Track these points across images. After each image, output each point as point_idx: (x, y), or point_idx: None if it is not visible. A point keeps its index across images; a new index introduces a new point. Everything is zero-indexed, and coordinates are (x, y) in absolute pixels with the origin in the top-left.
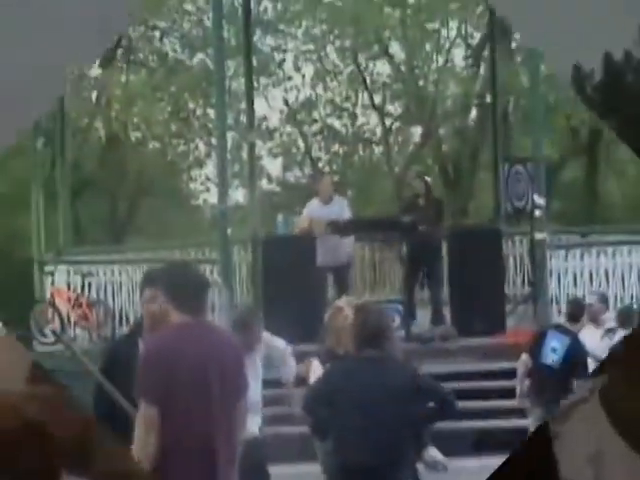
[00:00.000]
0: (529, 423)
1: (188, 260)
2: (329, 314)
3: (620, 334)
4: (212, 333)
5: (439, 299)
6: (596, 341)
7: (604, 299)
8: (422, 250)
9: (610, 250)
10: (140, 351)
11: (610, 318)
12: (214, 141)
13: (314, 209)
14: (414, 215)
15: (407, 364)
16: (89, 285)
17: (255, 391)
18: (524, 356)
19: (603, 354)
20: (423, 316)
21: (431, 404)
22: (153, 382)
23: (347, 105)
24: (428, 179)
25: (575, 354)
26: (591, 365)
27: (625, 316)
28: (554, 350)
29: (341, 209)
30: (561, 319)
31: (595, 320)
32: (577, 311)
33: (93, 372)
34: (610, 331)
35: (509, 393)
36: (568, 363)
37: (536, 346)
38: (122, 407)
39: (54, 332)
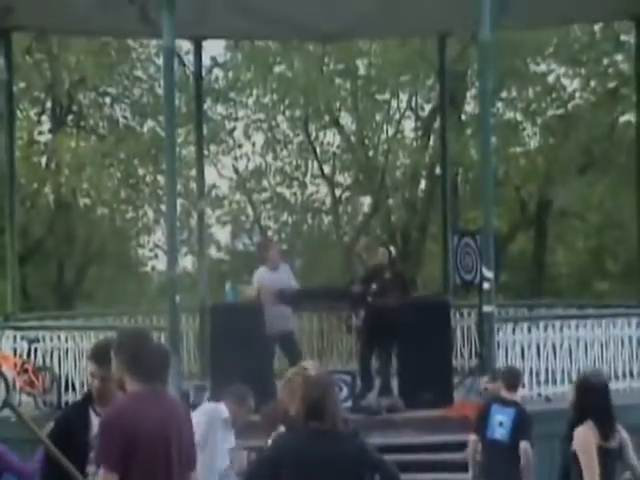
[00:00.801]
0: None
1: (146, 329)
2: (288, 380)
3: None
4: (170, 404)
5: (388, 371)
6: None
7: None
8: (379, 321)
9: (558, 324)
10: (91, 421)
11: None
12: (163, 208)
13: (262, 276)
14: (378, 285)
15: (353, 436)
16: (35, 351)
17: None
18: (472, 436)
19: None
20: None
21: (376, 477)
22: (114, 449)
23: (297, 174)
24: (391, 249)
25: (521, 422)
26: None
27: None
28: (501, 424)
29: (288, 275)
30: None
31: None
32: (515, 380)
33: (42, 439)
34: None
35: (455, 466)
36: (515, 433)
37: (482, 422)
38: (71, 475)
39: (3, 400)
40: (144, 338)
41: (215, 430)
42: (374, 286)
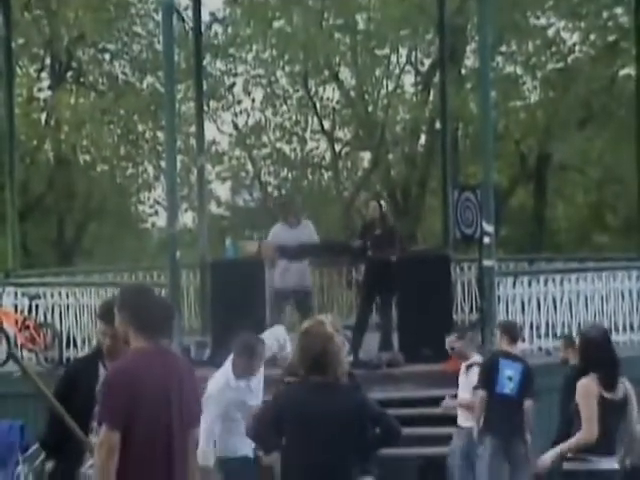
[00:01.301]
0: (482, 453)
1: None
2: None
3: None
4: (173, 360)
5: (389, 325)
6: None
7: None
8: (378, 276)
9: (558, 277)
10: (100, 376)
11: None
12: (163, 164)
13: (279, 233)
14: (371, 241)
15: (354, 390)
16: (36, 307)
17: None
18: (481, 392)
19: None
20: (371, 341)
21: (376, 430)
22: (117, 408)
23: (296, 130)
24: (382, 203)
25: (528, 378)
26: None
27: (568, 343)
28: (510, 378)
29: (310, 233)
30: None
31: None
32: (516, 333)
33: (45, 394)
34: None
35: (454, 419)
36: (523, 389)
37: (490, 377)
38: (74, 431)
39: (8, 352)
40: (146, 293)
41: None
42: (367, 242)
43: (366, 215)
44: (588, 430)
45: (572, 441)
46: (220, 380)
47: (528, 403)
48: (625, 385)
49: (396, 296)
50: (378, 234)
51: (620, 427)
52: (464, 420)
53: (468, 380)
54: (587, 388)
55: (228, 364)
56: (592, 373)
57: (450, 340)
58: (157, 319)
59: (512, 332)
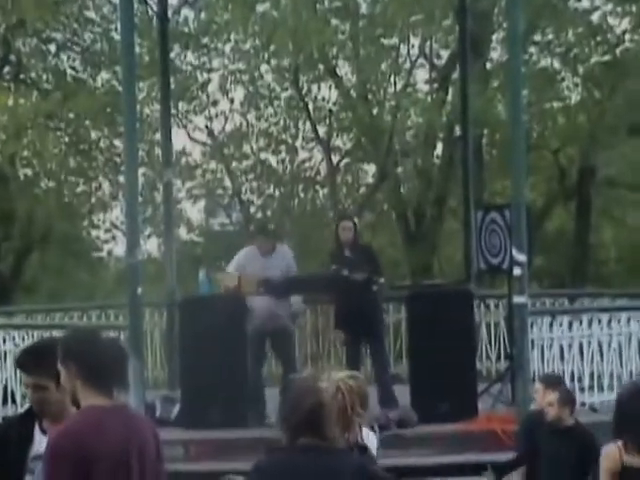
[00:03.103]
0: None
1: (94, 328)
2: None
3: None
4: (132, 420)
5: (385, 373)
6: None
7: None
8: (360, 314)
9: (605, 317)
10: (35, 441)
11: None
12: (122, 180)
13: (250, 261)
14: (340, 265)
15: (354, 455)
16: None
17: None
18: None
19: None
20: (373, 395)
21: None
22: (66, 476)
23: (285, 137)
24: (356, 222)
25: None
26: None
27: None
28: None
29: (287, 262)
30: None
31: None
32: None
33: None
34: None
35: None
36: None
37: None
38: None
39: None
40: (93, 339)
41: None
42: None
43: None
44: None
45: None
46: None
47: None
48: None
49: (407, 340)
50: (349, 256)
51: None
52: None
53: None
54: (608, 457)
55: None
56: (621, 436)
57: None
58: (108, 368)
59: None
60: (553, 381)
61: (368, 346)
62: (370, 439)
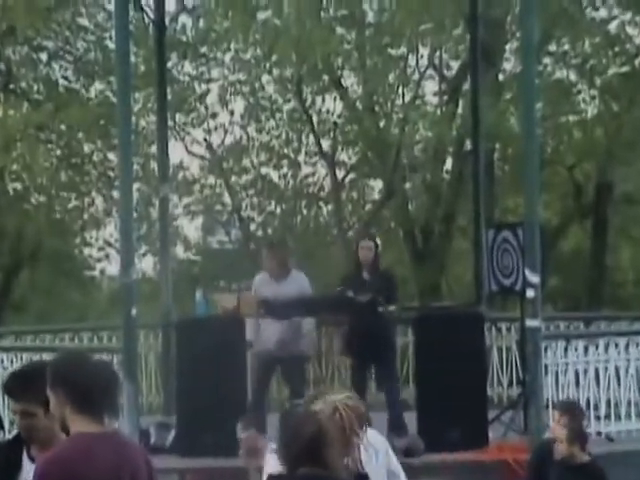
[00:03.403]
0: None
1: (83, 351)
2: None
3: None
4: (124, 447)
5: (395, 400)
6: None
7: None
8: (368, 338)
9: (622, 342)
10: (24, 470)
11: None
12: (116, 195)
13: (260, 287)
14: (357, 288)
15: None
16: None
17: None
18: None
19: None
20: (381, 423)
21: None
22: None
23: (287, 151)
24: (377, 243)
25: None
26: None
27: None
28: None
29: (302, 288)
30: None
31: None
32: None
33: None
34: None
35: None
36: None
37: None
38: None
39: None
40: (82, 362)
41: None
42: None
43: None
44: None
45: None
46: None
47: None
48: None
49: (414, 365)
50: (368, 280)
51: None
52: None
53: None
54: None
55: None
56: None
57: None
58: (99, 393)
59: (576, 417)
60: (569, 409)
61: (376, 371)
62: (379, 440)
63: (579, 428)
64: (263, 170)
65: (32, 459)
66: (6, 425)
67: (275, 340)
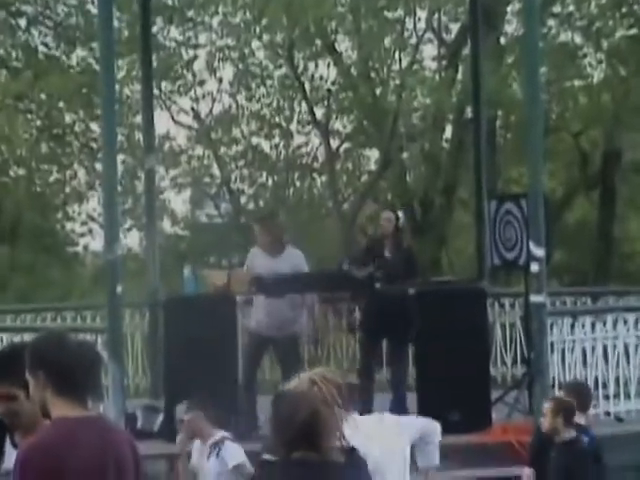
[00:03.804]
0: None
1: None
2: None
3: None
4: (109, 431)
5: (402, 382)
6: None
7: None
8: (386, 315)
9: (632, 318)
10: (7, 451)
11: None
12: (99, 167)
13: (254, 263)
14: (375, 267)
15: (356, 469)
16: None
17: None
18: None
19: None
20: (382, 404)
21: None
22: None
23: (279, 120)
24: (399, 214)
25: (595, 458)
26: None
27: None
28: None
29: (297, 264)
30: None
31: None
32: (586, 398)
33: None
34: None
35: None
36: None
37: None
38: None
39: None
40: (62, 343)
41: None
42: (374, 268)
43: (373, 233)
44: None
45: None
46: None
47: None
48: None
49: (413, 343)
50: (389, 258)
51: None
52: None
53: None
54: None
55: None
56: None
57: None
58: (81, 375)
59: (582, 396)
60: (574, 389)
61: (390, 349)
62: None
63: (566, 402)
64: (254, 140)
65: (15, 446)
66: None
67: (270, 319)
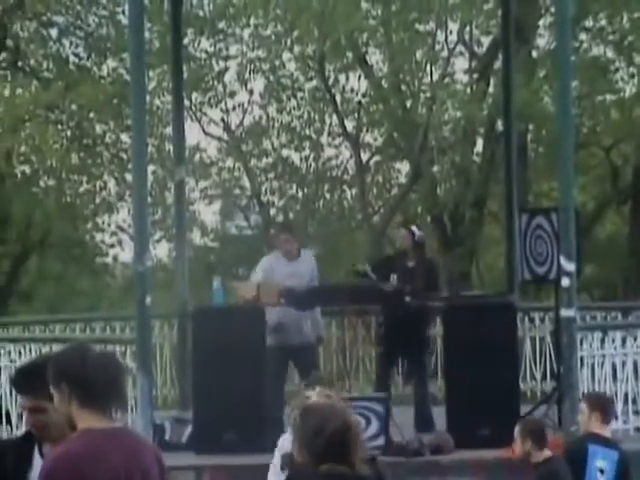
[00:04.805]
0: None
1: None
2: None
3: None
4: (135, 443)
5: (424, 396)
6: None
7: None
8: (403, 329)
9: None
10: (34, 466)
11: None
12: (129, 178)
13: (275, 267)
14: (397, 281)
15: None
16: None
17: None
18: None
19: None
20: (407, 418)
21: None
22: None
23: (309, 132)
24: (417, 231)
25: (625, 470)
26: None
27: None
28: (602, 471)
29: (311, 267)
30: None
31: None
32: (609, 410)
33: None
34: None
35: None
36: None
37: (576, 469)
38: None
39: None
40: (84, 355)
41: None
42: (392, 280)
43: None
44: None
45: None
46: None
47: None
48: None
49: (442, 357)
50: (410, 268)
51: None
52: None
53: None
54: None
55: None
56: None
57: None
58: (104, 386)
59: (605, 408)
60: (595, 401)
61: (405, 364)
62: None
63: (532, 424)
64: (284, 152)
65: (43, 455)
66: (13, 420)
67: (289, 328)
